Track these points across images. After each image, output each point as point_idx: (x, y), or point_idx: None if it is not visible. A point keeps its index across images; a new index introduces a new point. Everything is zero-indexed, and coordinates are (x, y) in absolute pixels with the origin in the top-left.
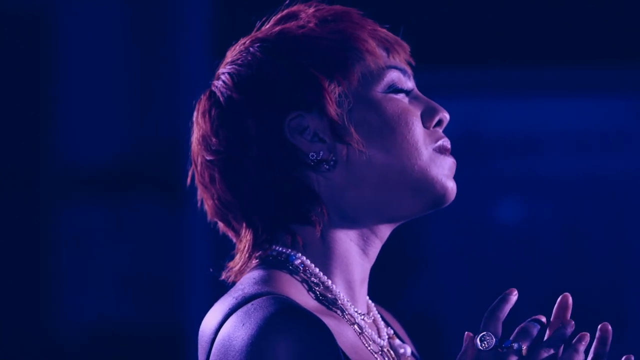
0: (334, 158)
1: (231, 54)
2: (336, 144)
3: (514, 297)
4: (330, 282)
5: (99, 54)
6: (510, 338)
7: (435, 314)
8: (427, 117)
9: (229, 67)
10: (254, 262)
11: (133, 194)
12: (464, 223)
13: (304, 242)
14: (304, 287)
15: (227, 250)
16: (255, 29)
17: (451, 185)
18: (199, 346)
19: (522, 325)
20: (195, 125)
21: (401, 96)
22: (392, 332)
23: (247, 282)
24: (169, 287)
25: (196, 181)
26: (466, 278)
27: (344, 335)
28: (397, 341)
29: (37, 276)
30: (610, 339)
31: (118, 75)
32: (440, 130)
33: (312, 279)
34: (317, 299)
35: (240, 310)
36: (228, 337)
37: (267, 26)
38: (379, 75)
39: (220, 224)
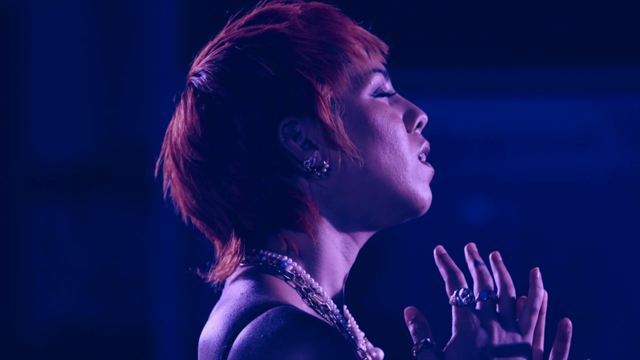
0: (327, 165)
1: (211, 52)
2: (330, 151)
3: (444, 252)
4: (321, 288)
5: (66, 53)
6: (479, 290)
7: (401, 313)
8: (408, 120)
9: (211, 65)
10: (240, 265)
11: (101, 194)
12: (431, 222)
13: (292, 246)
14: (298, 294)
15: (194, 249)
16: (228, 23)
17: (428, 196)
18: (202, 356)
19: (474, 274)
20: (179, 121)
21: (384, 99)
22: (363, 334)
23: (246, 289)
24: (137, 286)
25: (174, 178)
26: (433, 277)
27: None
28: (370, 345)
29: (4, 276)
30: (570, 334)
31: (85, 75)
32: (420, 132)
33: (305, 285)
34: (310, 306)
35: (255, 320)
36: (248, 347)
37: (244, 22)
38: (366, 79)
39: (198, 223)
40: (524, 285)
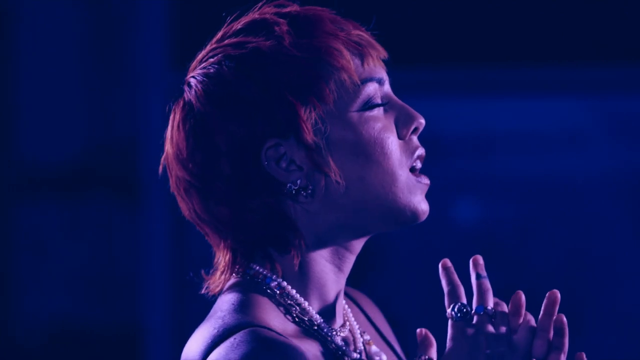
0: (311, 187)
1: (203, 62)
2: (314, 173)
3: (450, 265)
4: (306, 303)
5: (55, 54)
6: (477, 303)
7: (393, 313)
8: (402, 127)
9: (200, 77)
10: (231, 278)
11: (91, 194)
12: (421, 223)
13: (279, 263)
14: (281, 310)
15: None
16: (225, 26)
17: (423, 209)
18: None
19: (475, 287)
20: (169, 135)
21: (376, 111)
22: (368, 338)
23: (227, 307)
24: (127, 287)
25: (171, 188)
26: (424, 277)
27: (320, 354)
28: (374, 348)
29: None
30: (567, 330)
31: (75, 75)
32: (415, 137)
33: (289, 301)
34: (294, 321)
35: (224, 344)
36: None
37: (235, 30)
38: (354, 92)
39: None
40: (516, 286)
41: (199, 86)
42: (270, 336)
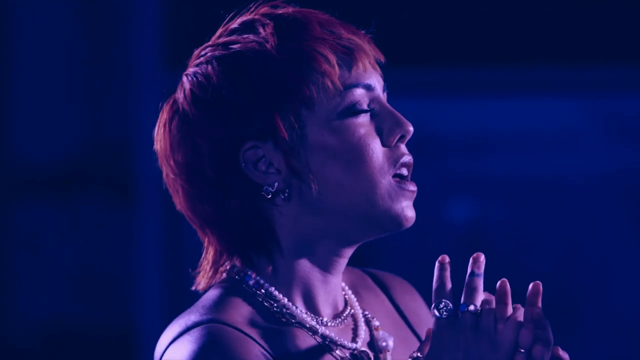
0: (287, 191)
1: (198, 57)
2: (291, 176)
3: (447, 262)
4: (285, 299)
5: (49, 53)
6: (462, 301)
7: None
8: (388, 134)
9: (190, 77)
10: (221, 274)
11: (85, 194)
12: (415, 222)
13: (260, 264)
14: (257, 309)
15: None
16: (223, 24)
17: (406, 215)
18: None
19: (466, 283)
20: (156, 132)
21: (361, 118)
22: (377, 324)
23: (201, 304)
24: (121, 286)
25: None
26: (417, 277)
27: (302, 348)
28: (381, 333)
29: None
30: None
31: (68, 75)
32: (402, 145)
33: (268, 298)
34: (271, 319)
35: (179, 340)
36: None
37: (229, 30)
38: (337, 97)
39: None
40: (511, 288)
41: (187, 85)
42: (223, 334)
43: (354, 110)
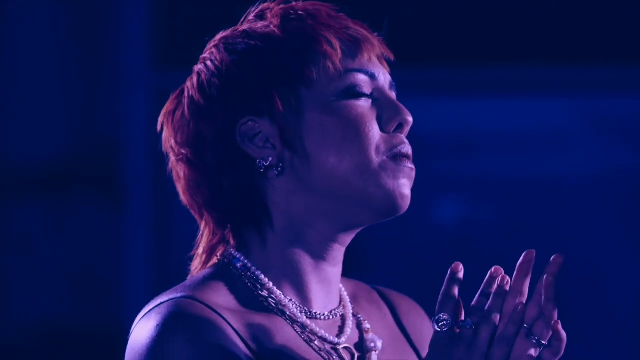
0: (281, 165)
1: (204, 52)
2: (285, 151)
3: (460, 272)
4: (271, 284)
5: (37, 52)
6: (461, 318)
7: None
8: (386, 120)
9: (198, 66)
10: (213, 261)
11: (73, 194)
12: (402, 222)
13: (252, 244)
14: (240, 290)
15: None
16: (240, 22)
17: (403, 192)
18: None
19: (473, 303)
20: (162, 121)
21: (362, 101)
22: (367, 327)
23: (183, 283)
24: (109, 286)
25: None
26: (404, 277)
27: (278, 334)
28: (370, 335)
29: None
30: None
31: (57, 73)
32: (401, 134)
33: (253, 281)
34: (253, 301)
35: (149, 312)
36: (134, 337)
37: (242, 21)
38: (338, 79)
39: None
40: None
41: (196, 72)
42: (190, 308)
43: (353, 92)
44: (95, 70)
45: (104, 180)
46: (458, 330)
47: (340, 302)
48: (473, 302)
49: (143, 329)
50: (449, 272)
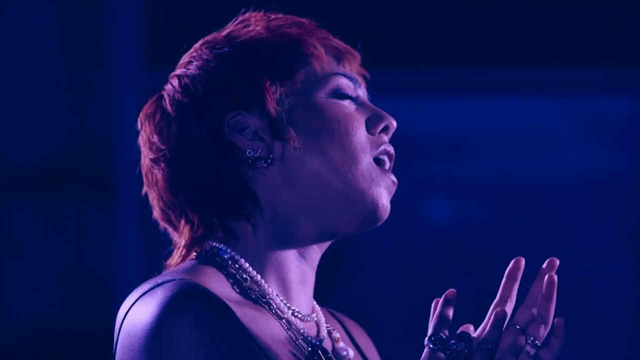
0: (271, 156)
1: (183, 59)
2: (274, 143)
3: (453, 297)
4: (259, 277)
5: (30, 52)
6: (452, 341)
7: (365, 313)
8: (372, 122)
9: (178, 70)
10: (191, 256)
11: (65, 193)
12: (393, 223)
13: (238, 237)
14: (229, 280)
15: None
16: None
17: (384, 203)
18: (115, 333)
19: (461, 329)
20: (140, 127)
21: (347, 102)
22: (337, 336)
23: (169, 271)
24: (102, 285)
25: (145, 185)
26: (396, 278)
27: (266, 326)
28: (341, 344)
29: None
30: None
31: (49, 72)
32: (385, 136)
33: (241, 272)
34: (242, 292)
35: (149, 292)
36: (132, 319)
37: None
38: (324, 79)
39: (165, 226)
40: (488, 288)
41: (175, 77)
42: (194, 285)
43: (340, 93)
44: (87, 69)
45: (96, 180)
46: (448, 352)
47: (313, 309)
48: (461, 329)
49: (143, 310)
50: (442, 297)
